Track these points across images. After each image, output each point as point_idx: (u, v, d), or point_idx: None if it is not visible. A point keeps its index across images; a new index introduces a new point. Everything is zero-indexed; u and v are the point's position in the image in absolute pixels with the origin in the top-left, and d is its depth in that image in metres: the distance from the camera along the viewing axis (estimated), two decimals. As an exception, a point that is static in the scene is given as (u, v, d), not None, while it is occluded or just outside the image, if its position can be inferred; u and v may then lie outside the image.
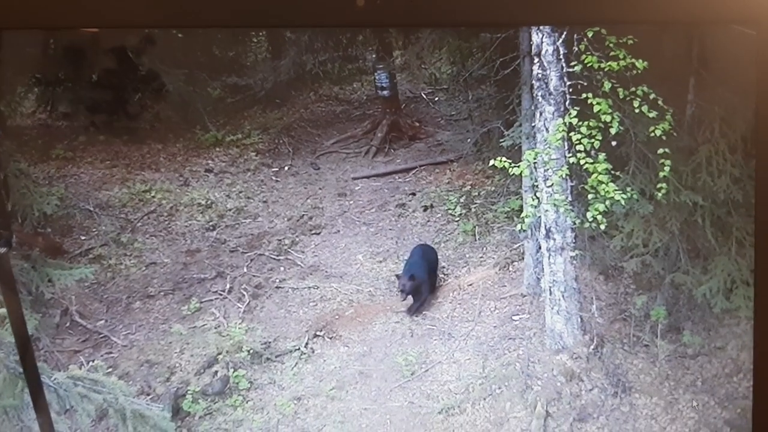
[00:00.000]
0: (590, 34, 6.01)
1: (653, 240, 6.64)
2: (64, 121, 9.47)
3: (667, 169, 6.02)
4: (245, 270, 7.74)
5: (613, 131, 6.05)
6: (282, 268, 7.80)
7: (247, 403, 6.77)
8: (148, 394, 6.51)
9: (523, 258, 7.37)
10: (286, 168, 9.21)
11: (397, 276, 7.36)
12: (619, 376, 6.51)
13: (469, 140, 8.86)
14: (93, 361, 6.55)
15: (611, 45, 5.95)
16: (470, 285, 7.49)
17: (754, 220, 1.76)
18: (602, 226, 6.09)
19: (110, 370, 6.48)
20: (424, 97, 11.03)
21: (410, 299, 7.39)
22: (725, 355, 6.45)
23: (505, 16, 1.84)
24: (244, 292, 7.52)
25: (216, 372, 6.93)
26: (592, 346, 6.61)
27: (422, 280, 7.34)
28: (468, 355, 6.96)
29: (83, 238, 7.94)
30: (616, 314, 6.83)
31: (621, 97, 6.10)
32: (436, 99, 10.96)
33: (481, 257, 7.74)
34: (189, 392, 6.73)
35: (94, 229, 8.02)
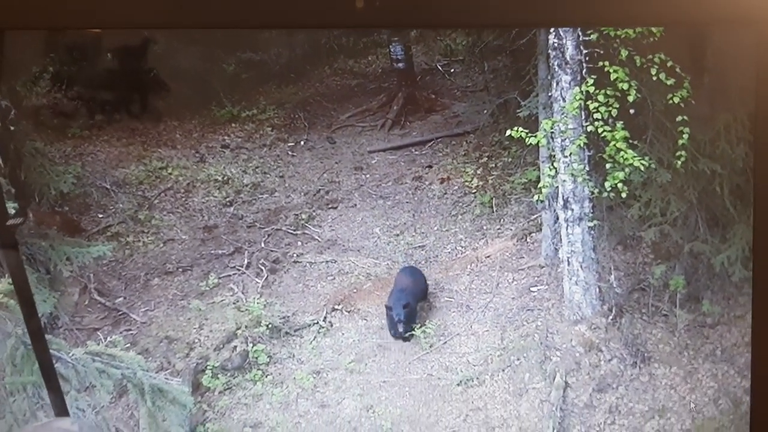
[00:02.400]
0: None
1: (671, 209, 6.60)
2: (79, 100, 9.49)
3: (685, 137, 5.98)
4: (263, 245, 7.77)
5: (630, 99, 6.01)
6: (299, 243, 7.82)
7: (266, 377, 6.83)
8: (168, 370, 6.56)
9: (540, 229, 7.35)
10: (302, 143, 9.22)
11: (388, 307, 7.04)
12: (638, 346, 6.50)
13: (485, 111, 8.81)
14: (111, 336, 6.60)
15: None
16: (488, 257, 7.48)
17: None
18: (623, 194, 6.07)
19: (129, 346, 6.55)
20: (440, 68, 10.98)
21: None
22: (745, 323, 6.41)
23: (506, 17, 1.83)
24: (262, 267, 7.55)
25: (235, 347, 6.98)
26: (610, 317, 6.60)
27: (414, 308, 7.09)
28: (486, 327, 6.97)
29: (100, 215, 7.99)
30: (635, 284, 6.81)
31: (638, 64, 6.05)
32: (452, 70, 10.91)
33: (499, 229, 7.73)
34: (208, 367, 6.80)
35: (111, 207, 8.07)
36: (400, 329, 6.93)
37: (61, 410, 2.29)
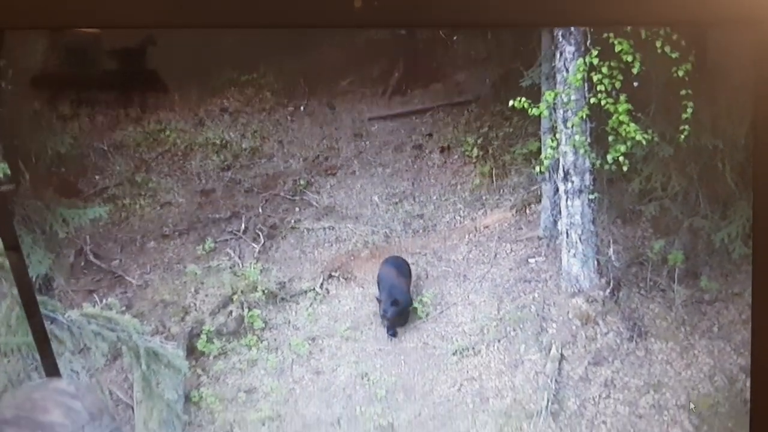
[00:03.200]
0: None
1: (672, 184, 6.54)
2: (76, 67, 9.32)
3: (689, 111, 5.91)
4: (260, 210, 7.69)
5: (634, 71, 5.93)
6: (297, 209, 7.75)
7: (261, 342, 6.80)
8: (163, 334, 6.52)
9: (540, 200, 7.29)
10: (302, 108, 9.11)
11: (378, 299, 6.90)
12: (635, 321, 6.48)
13: (487, 81, 8.71)
14: (107, 299, 6.55)
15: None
16: (486, 227, 7.43)
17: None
18: (625, 168, 6.02)
19: (124, 309, 6.49)
20: (442, 36, 10.83)
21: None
22: (742, 301, 6.38)
23: (502, 16, 1.82)
24: (259, 233, 7.49)
25: (231, 312, 6.94)
26: (608, 290, 6.56)
27: (406, 303, 6.88)
28: (483, 297, 6.93)
29: (97, 177, 7.90)
30: (633, 258, 6.77)
31: (643, 37, 5.97)
32: (455, 38, 10.77)
33: (498, 199, 7.66)
34: (203, 332, 6.76)
35: (108, 169, 7.98)
36: (386, 325, 6.87)
37: (52, 371, 2.25)
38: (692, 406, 5.84)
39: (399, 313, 6.77)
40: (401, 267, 7.12)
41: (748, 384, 5.87)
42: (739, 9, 1.73)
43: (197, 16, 1.81)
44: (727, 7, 1.73)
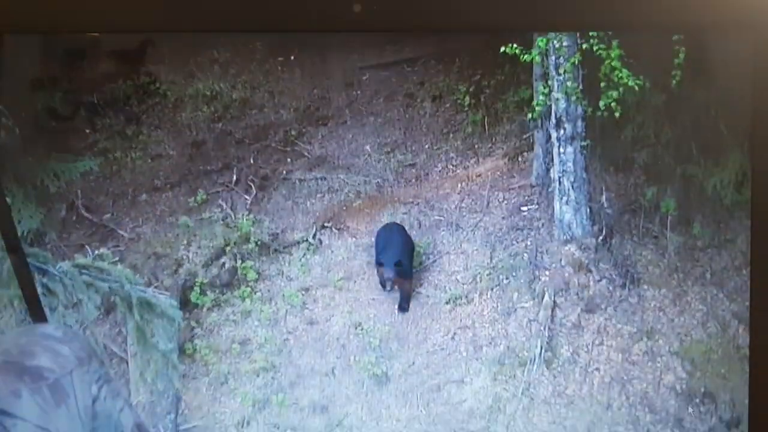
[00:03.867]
0: None
1: (665, 131, 6.46)
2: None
3: (681, 56, 5.80)
4: (252, 161, 7.58)
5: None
6: (289, 160, 7.63)
7: (255, 294, 6.74)
8: (156, 287, 6.46)
9: (532, 148, 7.19)
10: (293, 58, 8.95)
11: (380, 263, 6.64)
12: (628, 268, 6.43)
13: (479, 28, 8.56)
14: (99, 250, 6.48)
15: None
16: (479, 176, 7.34)
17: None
18: (617, 114, 5.92)
19: (117, 262, 6.42)
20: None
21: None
22: (735, 248, 6.33)
23: (503, 21, 1.78)
24: (251, 184, 7.38)
25: (224, 264, 6.87)
26: (600, 237, 6.50)
27: (407, 267, 6.67)
28: (476, 246, 6.87)
29: (87, 131, 7.77)
30: (626, 205, 6.70)
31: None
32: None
33: (490, 147, 7.55)
34: (197, 284, 6.70)
35: (98, 122, 7.84)
36: (388, 288, 6.64)
37: (41, 320, 2.21)
38: (691, 411, 5.85)
39: (400, 274, 6.55)
40: (401, 231, 6.93)
41: (741, 330, 5.88)
42: (737, 14, 1.70)
43: (195, 19, 1.78)
44: (725, 11, 1.71)
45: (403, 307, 6.60)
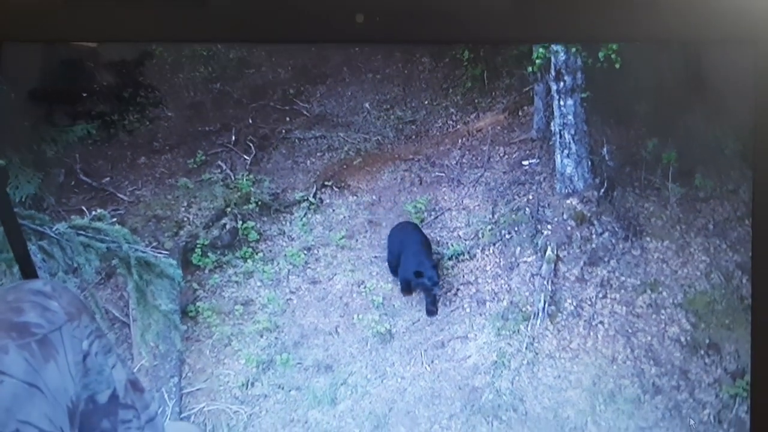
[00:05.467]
0: None
1: (666, 81, 6.26)
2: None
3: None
4: (250, 121, 7.37)
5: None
6: (287, 119, 7.42)
7: (257, 254, 6.58)
8: (155, 247, 6.30)
9: (532, 102, 6.98)
10: (289, 15, 8.67)
11: (418, 273, 6.14)
12: (630, 220, 6.26)
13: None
14: (96, 211, 6.31)
15: None
16: (479, 131, 7.14)
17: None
18: (617, 66, 5.72)
19: (114, 221, 6.25)
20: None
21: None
22: (737, 198, 6.15)
23: (505, 33, 1.73)
24: (250, 144, 7.18)
25: (225, 225, 6.70)
26: (602, 190, 6.33)
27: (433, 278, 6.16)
28: (477, 202, 6.71)
29: (84, 94, 7.56)
30: (627, 157, 6.50)
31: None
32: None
33: (490, 102, 7.33)
34: (198, 246, 6.53)
35: (95, 85, 7.62)
36: (438, 291, 6.19)
37: (31, 277, 2.10)
38: (691, 422, 5.69)
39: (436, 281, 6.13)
40: (418, 229, 6.49)
41: (744, 281, 5.72)
42: (737, 28, 1.64)
43: (198, 30, 1.70)
44: (725, 25, 1.64)
45: (432, 310, 6.22)
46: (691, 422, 5.51)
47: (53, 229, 5.27)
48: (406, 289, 6.29)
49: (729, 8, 1.56)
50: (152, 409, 1.69)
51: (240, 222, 6.62)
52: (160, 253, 5.99)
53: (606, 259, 6.06)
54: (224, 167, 7.15)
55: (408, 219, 6.56)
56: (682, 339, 5.78)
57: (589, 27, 1.63)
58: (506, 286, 6.17)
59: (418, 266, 6.16)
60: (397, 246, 6.44)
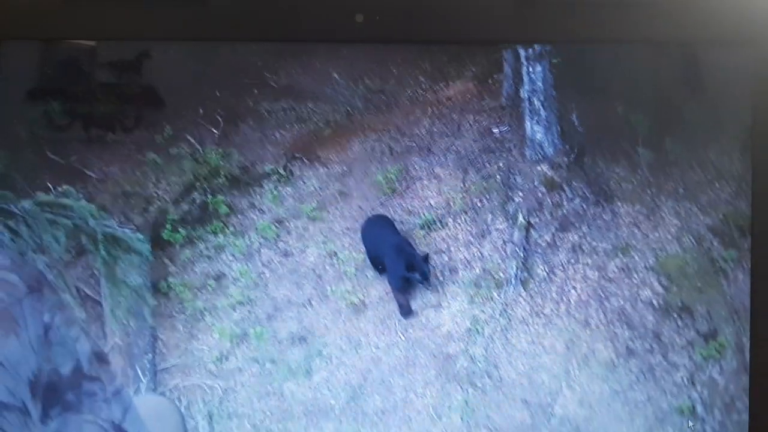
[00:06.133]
0: None
1: (636, 46, 6.17)
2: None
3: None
4: (218, 93, 7.19)
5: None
6: (255, 91, 7.25)
7: (227, 228, 6.43)
8: (122, 223, 6.16)
9: (501, 69, 6.85)
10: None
11: (409, 265, 5.99)
12: (601, 185, 6.17)
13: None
14: (62, 187, 6.14)
15: None
16: (449, 99, 7.00)
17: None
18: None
19: (81, 197, 6.11)
20: None
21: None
22: (707, 161, 6.09)
23: (505, 33, 1.69)
24: (218, 117, 7.01)
25: (194, 199, 6.53)
26: (572, 156, 6.23)
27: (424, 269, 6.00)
28: (448, 170, 6.59)
29: (49, 72, 7.34)
30: (597, 122, 6.41)
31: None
32: None
33: (460, 70, 7.20)
34: (168, 221, 6.38)
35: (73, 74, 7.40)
36: (429, 286, 5.99)
37: None
38: (691, 424, 5.62)
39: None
40: (390, 223, 6.28)
41: (716, 243, 5.66)
42: (735, 29, 1.63)
43: (198, 29, 1.66)
44: (723, 26, 1.63)
45: (408, 311, 6.02)
46: (691, 424, 5.47)
47: (18, 206, 5.13)
48: (403, 287, 6.05)
49: (726, 9, 1.54)
50: (118, 382, 1.66)
51: (210, 196, 6.46)
52: (128, 228, 5.86)
53: (577, 225, 5.98)
54: (192, 141, 6.98)
55: (378, 201, 6.44)
56: (655, 302, 5.73)
57: (586, 27, 1.63)
58: (478, 253, 6.09)
59: (408, 258, 5.99)
60: (373, 245, 6.25)
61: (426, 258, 6.14)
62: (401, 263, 6.41)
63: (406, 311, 6.09)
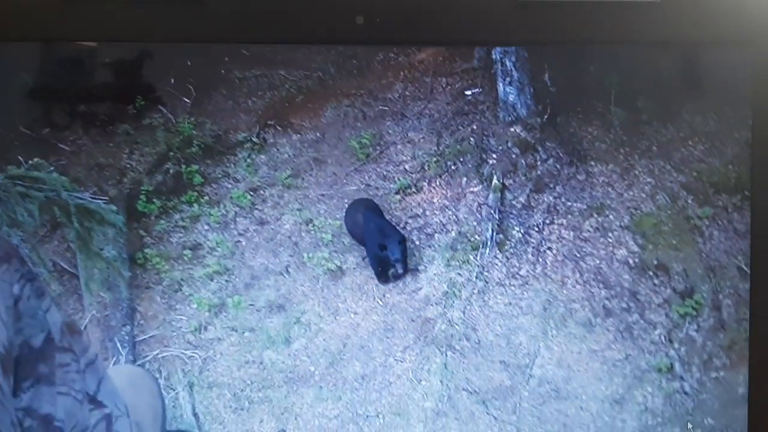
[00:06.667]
0: None
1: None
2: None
3: None
4: (188, 62, 7.03)
5: None
6: (226, 58, 7.10)
7: (202, 198, 6.32)
8: (94, 194, 6.05)
9: (473, 31, 6.74)
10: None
11: (382, 246, 5.78)
12: (574, 145, 6.10)
13: None
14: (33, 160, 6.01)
15: None
16: (421, 62, 6.88)
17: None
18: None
19: (52, 170, 5.99)
20: None
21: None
22: (680, 119, 6.01)
23: (506, 35, 1.86)
24: (190, 86, 6.86)
25: (168, 169, 6.42)
26: (545, 116, 6.14)
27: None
28: (422, 134, 6.49)
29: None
30: (570, 82, 6.32)
31: None
32: None
33: (431, 33, 7.07)
34: (142, 192, 6.26)
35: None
36: (400, 270, 5.89)
37: None
38: (690, 426, 5.55)
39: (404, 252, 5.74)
40: (374, 206, 6.12)
41: (690, 201, 5.61)
42: (734, 30, 1.75)
43: (198, 31, 1.63)
44: (722, 27, 1.59)
45: (385, 277, 5.90)
46: (690, 426, 5.44)
47: (-11, 181, 5.01)
48: (381, 269, 5.82)
49: (726, 9, 1.48)
50: (92, 352, 1.64)
51: (183, 166, 6.34)
52: (100, 199, 5.74)
53: (551, 185, 5.92)
54: (164, 111, 6.84)
55: (352, 167, 6.35)
56: (631, 261, 5.69)
57: (583, 29, 1.59)
58: (454, 217, 6.02)
59: (382, 239, 5.81)
60: (355, 227, 6.05)
61: (402, 241, 5.90)
62: (375, 243, 6.24)
63: (385, 279, 5.93)
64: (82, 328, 5.42)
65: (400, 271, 5.87)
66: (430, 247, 5.90)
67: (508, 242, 5.83)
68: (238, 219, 6.13)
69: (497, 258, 5.81)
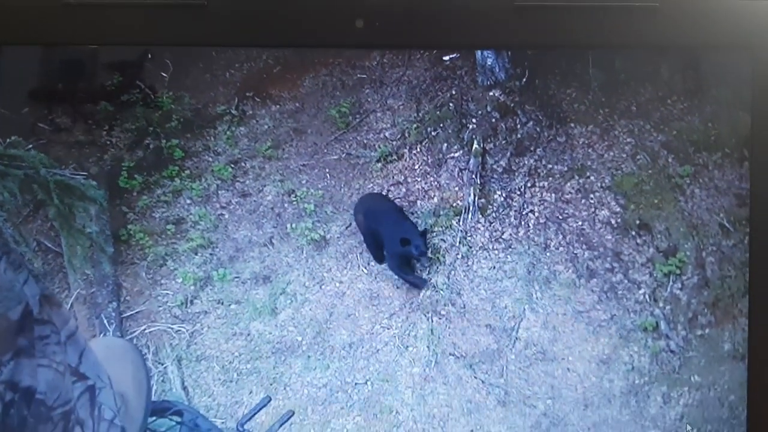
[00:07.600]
0: None
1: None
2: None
3: None
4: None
5: None
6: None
7: (183, 172, 6.16)
8: (74, 169, 5.88)
9: (449, -5, 6.54)
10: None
11: (404, 239, 5.45)
12: (554, 107, 5.95)
13: None
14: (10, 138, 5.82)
15: None
16: (398, 29, 6.70)
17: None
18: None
19: (30, 147, 5.80)
20: None
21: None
22: (658, 77, 5.88)
23: (505, 38, 1.89)
24: (167, 61, 6.66)
25: (148, 145, 6.25)
26: (524, 79, 5.99)
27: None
28: (401, 101, 6.33)
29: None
30: (547, 44, 6.15)
31: None
32: None
33: (408, -1, 6.86)
34: (123, 168, 6.09)
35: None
36: (426, 263, 5.61)
37: None
38: (689, 427, 5.41)
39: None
40: (389, 201, 5.69)
41: (671, 159, 5.48)
42: (734, 34, 1.73)
43: (198, 35, 1.91)
44: (722, 32, 1.72)
45: (418, 283, 5.51)
46: (689, 427, 5.33)
47: (-32, 161, 4.85)
48: (402, 264, 5.56)
49: (726, 14, 1.36)
50: (72, 325, 1.54)
51: (164, 141, 6.17)
52: (80, 174, 5.57)
53: (532, 148, 5.78)
54: (143, 86, 6.64)
55: (333, 136, 6.20)
56: (613, 221, 5.59)
57: (582, 33, 1.47)
58: (435, 183, 5.88)
59: (403, 233, 5.48)
60: (368, 222, 5.80)
61: (424, 233, 5.59)
62: (396, 238, 5.90)
63: (420, 282, 5.72)
64: (68, 306, 5.27)
65: (426, 264, 5.58)
66: (413, 213, 5.76)
67: (490, 206, 5.71)
68: (220, 192, 5.97)
69: (480, 222, 5.68)
